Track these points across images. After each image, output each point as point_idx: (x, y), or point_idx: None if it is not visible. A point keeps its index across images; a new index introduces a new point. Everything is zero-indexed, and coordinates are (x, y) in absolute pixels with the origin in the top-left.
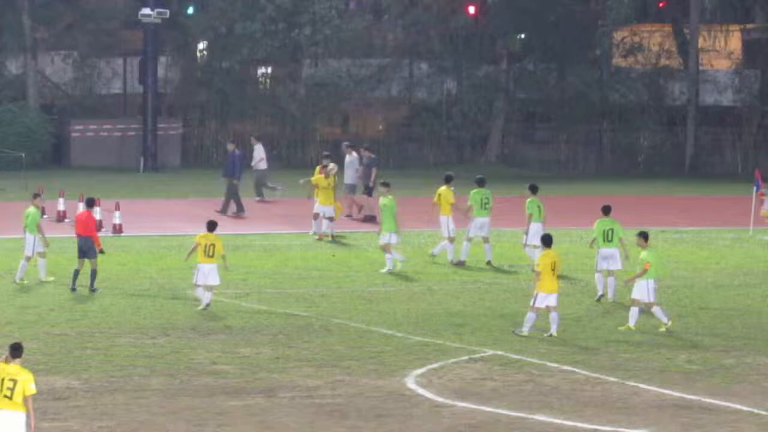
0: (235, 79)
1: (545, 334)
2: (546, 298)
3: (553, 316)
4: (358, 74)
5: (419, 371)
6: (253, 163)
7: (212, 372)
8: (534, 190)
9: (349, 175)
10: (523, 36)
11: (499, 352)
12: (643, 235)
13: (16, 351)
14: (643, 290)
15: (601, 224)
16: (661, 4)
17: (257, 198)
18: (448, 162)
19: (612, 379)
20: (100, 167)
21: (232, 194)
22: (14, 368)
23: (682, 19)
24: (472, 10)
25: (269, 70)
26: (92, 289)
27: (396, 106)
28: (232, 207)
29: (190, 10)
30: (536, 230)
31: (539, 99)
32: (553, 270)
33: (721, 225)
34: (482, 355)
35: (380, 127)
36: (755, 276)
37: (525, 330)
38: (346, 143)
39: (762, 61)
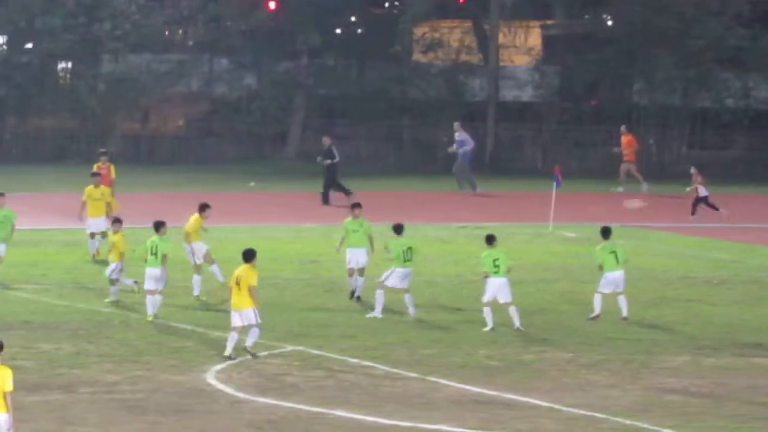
0: (35, 73)
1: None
2: (234, 315)
3: (253, 330)
4: (158, 69)
5: (219, 367)
6: None
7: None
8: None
9: None
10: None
11: (300, 348)
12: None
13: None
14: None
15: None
16: (460, 1)
17: None
18: (249, 157)
19: (412, 374)
20: None
21: None
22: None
23: (482, 15)
24: (272, 5)
25: (69, 65)
26: None
27: (196, 102)
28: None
29: None
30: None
31: (339, 95)
32: (237, 285)
33: (521, 221)
34: (282, 350)
35: (180, 122)
36: (554, 272)
37: (230, 348)
38: None
39: (561, 58)
